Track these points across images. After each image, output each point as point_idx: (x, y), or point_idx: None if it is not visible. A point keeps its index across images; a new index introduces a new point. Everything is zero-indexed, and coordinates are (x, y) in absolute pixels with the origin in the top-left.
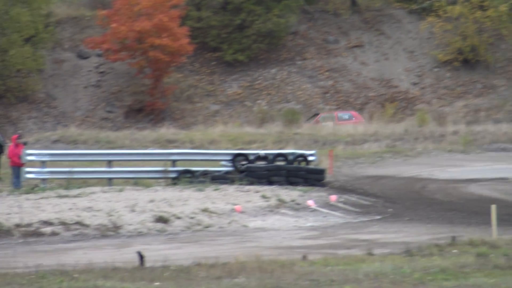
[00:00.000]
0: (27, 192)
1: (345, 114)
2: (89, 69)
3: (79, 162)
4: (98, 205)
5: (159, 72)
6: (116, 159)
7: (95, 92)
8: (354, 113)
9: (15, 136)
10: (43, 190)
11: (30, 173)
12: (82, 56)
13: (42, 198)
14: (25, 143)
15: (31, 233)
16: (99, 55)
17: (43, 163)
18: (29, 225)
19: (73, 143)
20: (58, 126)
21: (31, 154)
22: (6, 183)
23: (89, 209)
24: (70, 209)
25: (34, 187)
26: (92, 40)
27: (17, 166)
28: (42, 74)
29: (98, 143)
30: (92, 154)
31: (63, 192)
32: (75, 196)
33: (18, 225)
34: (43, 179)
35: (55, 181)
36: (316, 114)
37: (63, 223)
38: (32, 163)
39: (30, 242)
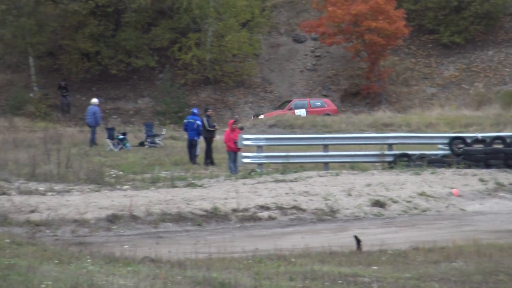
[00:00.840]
0: (244, 177)
1: (317, 101)
2: (305, 53)
3: (295, 147)
4: (314, 189)
5: (375, 55)
6: (332, 143)
7: (311, 76)
8: (326, 100)
9: (231, 121)
10: (260, 174)
11: (246, 158)
12: (298, 40)
13: (258, 182)
14: (241, 128)
15: (248, 218)
16: (314, 39)
17: (259, 148)
18: (246, 209)
19: (290, 127)
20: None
21: (247, 138)
22: (223, 168)
23: (306, 193)
24: (287, 193)
25: (250, 172)
26: (308, 24)
27: (233, 151)
28: (258, 58)
29: (314, 127)
30: (308, 138)
31: (279, 176)
32: (291, 181)
33: (235, 210)
34: (260, 164)
35: (272, 166)
36: (289, 101)
37: (280, 208)
38: (248, 148)
39: (247, 227)
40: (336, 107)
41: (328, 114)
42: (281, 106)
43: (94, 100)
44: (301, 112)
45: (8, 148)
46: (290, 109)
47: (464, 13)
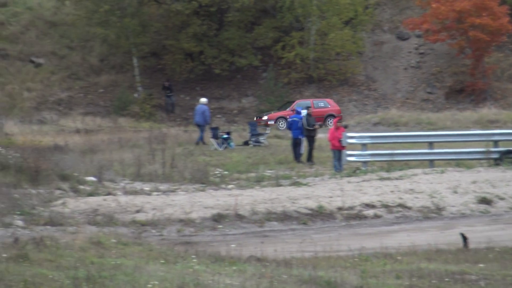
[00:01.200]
0: (349, 175)
1: (320, 102)
2: (409, 51)
3: (400, 144)
4: (420, 187)
5: (480, 52)
6: (437, 140)
7: (415, 74)
8: (329, 100)
9: (335, 119)
10: (365, 172)
11: (351, 156)
12: (402, 38)
13: (363, 181)
14: (345, 126)
15: (354, 216)
16: (418, 36)
17: (364, 146)
18: (351, 208)
19: (394, 125)
20: (379, 109)
21: (352, 137)
22: (328, 166)
23: (411, 191)
24: (392, 191)
25: (355, 170)
26: (411, 21)
27: (338, 150)
28: (362, 56)
29: (419, 125)
30: (412, 136)
31: (384, 174)
32: (396, 179)
33: (340, 208)
34: (364, 162)
35: (376, 164)
36: (291, 102)
37: (385, 206)
38: (353, 146)
39: (353, 225)
40: (339, 108)
41: (332, 115)
42: (283, 106)
43: (203, 100)
44: (304, 112)
45: (114, 148)
46: (293, 110)
47: None
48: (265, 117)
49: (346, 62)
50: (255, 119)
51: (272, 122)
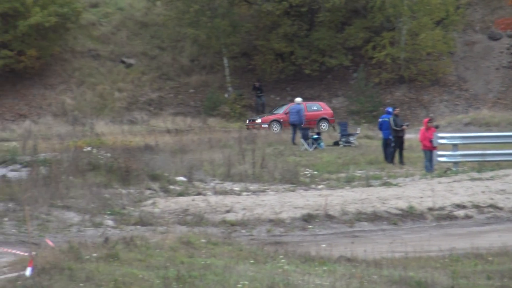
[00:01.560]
0: (439, 176)
1: (313, 105)
2: (501, 51)
3: (492, 145)
4: (511, 187)
5: None
6: None
7: (506, 74)
8: (322, 104)
9: (426, 119)
10: (455, 173)
11: (442, 157)
12: (493, 38)
13: (454, 181)
14: (436, 127)
15: (444, 217)
16: (510, 36)
17: (455, 146)
18: (442, 208)
19: (485, 125)
20: (470, 109)
21: (443, 137)
22: (418, 166)
23: (502, 191)
24: (483, 192)
25: (446, 170)
26: (503, 21)
27: (428, 150)
28: (453, 56)
29: (510, 125)
30: (504, 136)
31: (475, 175)
32: (487, 179)
33: (431, 209)
34: (455, 162)
35: (467, 164)
36: (285, 104)
37: (476, 206)
38: (444, 146)
39: (443, 226)
40: (332, 111)
41: (324, 118)
42: (274, 110)
43: (298, 99)
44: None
45: (204, 148)
46: (287, 113)
47: None
48: (258, 120)
49: (437, 62)
50: (247, 122)
51: (266, 126)
